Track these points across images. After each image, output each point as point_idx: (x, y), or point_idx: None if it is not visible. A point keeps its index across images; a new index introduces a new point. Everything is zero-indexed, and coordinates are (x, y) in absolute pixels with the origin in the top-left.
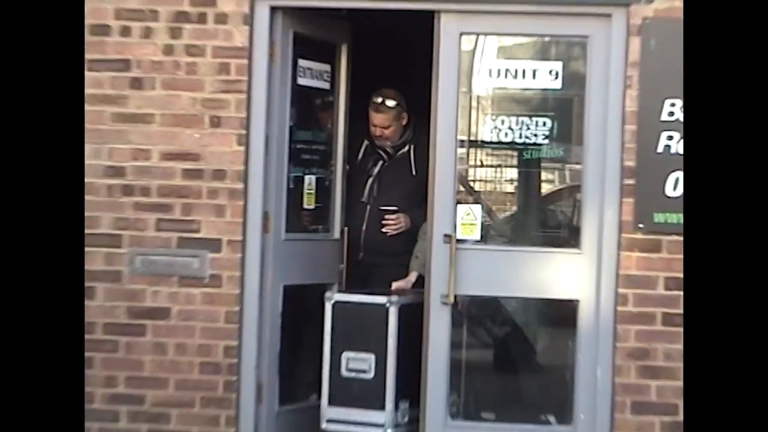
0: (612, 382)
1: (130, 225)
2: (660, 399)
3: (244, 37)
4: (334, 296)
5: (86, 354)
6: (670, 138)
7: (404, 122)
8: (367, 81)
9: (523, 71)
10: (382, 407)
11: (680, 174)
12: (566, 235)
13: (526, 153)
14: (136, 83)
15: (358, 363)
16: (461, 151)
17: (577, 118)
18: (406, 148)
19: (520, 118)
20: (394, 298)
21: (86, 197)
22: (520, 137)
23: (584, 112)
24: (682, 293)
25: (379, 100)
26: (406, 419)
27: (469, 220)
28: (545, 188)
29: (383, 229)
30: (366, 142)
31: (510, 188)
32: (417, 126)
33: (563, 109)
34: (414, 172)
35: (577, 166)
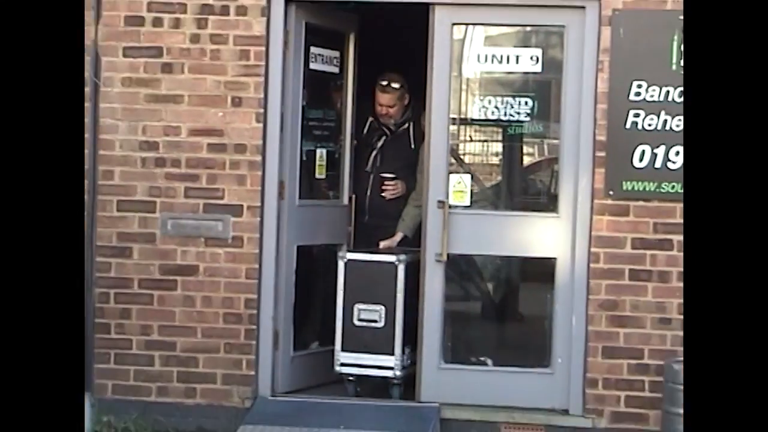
0: (585, 330)
1: (162, 193)
2: (627, 344)
3: (262, 27)
4: (347, 255)
5: (124, 306)
6: (637, 115)
7: (406, 102)
8: (372, 66)
9: (508, 57)
10: (392, 352)
11: (646, 147)
12: (545, 201)
13: (510, 129)
14: (167, 68)
15: (370, 314)
16: (453, 127)
17: (555, 98)
18: (406, 125)
19: (505, 99)
20: (402, 256)
21: (123, 168)
22: (505, 115)
23: (561, 93)
24: (647, 252)
25: (385, 82)
26: (409, 362)
27: (460, 188)
28: (527, 160)
29: (382, 194)
30: (371, 119)
31: (496, 160)
32: (415, 106)
33: (543, 91)
34: (412, 146)
35: (555, 141)
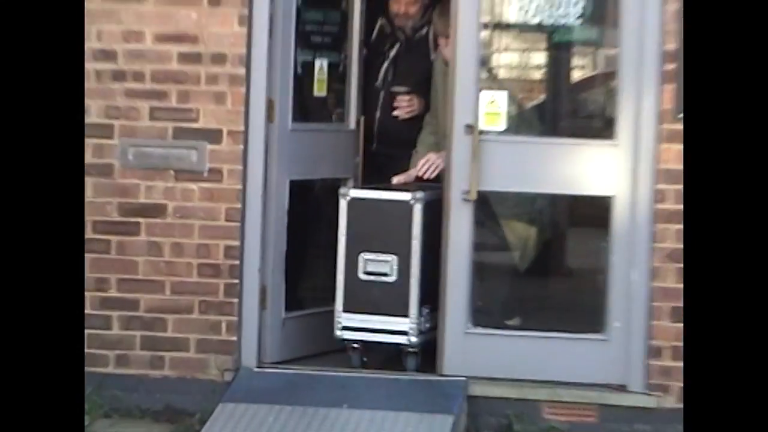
0: (649, 287)
1: (121, 114)
2: None
3: None
4: (350, 192)
5: None
6: None
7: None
8: None
9: None
10: (406, 313)
11: None
12: (599, 126)
13: (556, 35)
14: None
15: (378, 265)
16: (484, 33)
17: None
18: (425, 29)
19: None
20: (419, 194)
21: None
22: (549, 18)
23: None
24: None
25: None
26: (428, 326)
27: (493, 108)
28: (576, 74)
29: (395, 112)
30: (381, 22)
31: (537, 75)
32: (436, 6)
33: None
34: (432, 56)
35: (612, 50)
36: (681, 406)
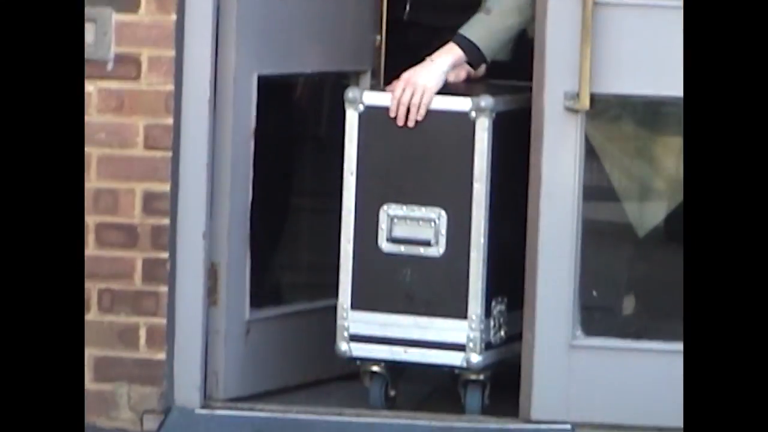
0: None
1: None
2: None
3: None
4: (364, 97)
5: None
6: None
7: None
8: None
9: None
10: (463, 313)
11: None
12: None
13: None
14: None
15: (414, 227)
16: None
17: None
18: None
19: None
20: (486, 101)
21: None
22: None
23: None
24: None
25: None
26: (503, 335)
27: None
28: None
29: None
30: None
31: None
32: None
33: None
34: None
35: None
36: None
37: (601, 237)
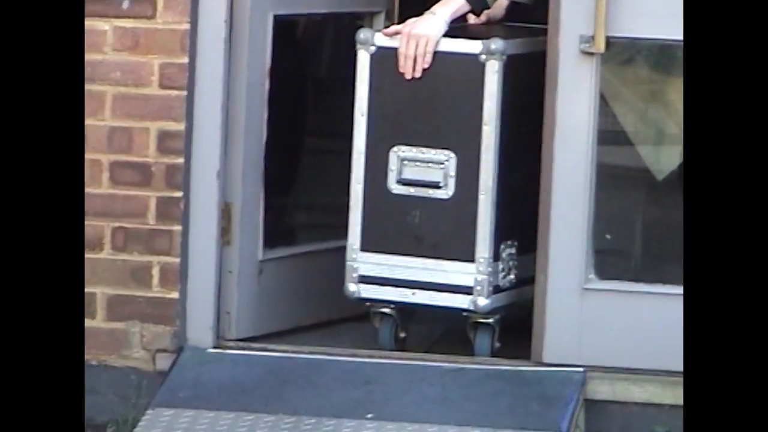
0: None
1: None
2: None
3: None
4: (376, 39)
5: None
6: None
7: None
8: None
9: None
10: (471, 256)
11: None
12: None
13: None
14: None
15: (424, 170)
16: None
17: None
18: None
19: None
20: (497, 43)
21: None
22: None
23: None
24: None
25: None
26: (512, 277)
27: None
28: None
29: None
30: None
31: None
32: None
33: None
34: None
35: None
36: None
37: (615, 181)
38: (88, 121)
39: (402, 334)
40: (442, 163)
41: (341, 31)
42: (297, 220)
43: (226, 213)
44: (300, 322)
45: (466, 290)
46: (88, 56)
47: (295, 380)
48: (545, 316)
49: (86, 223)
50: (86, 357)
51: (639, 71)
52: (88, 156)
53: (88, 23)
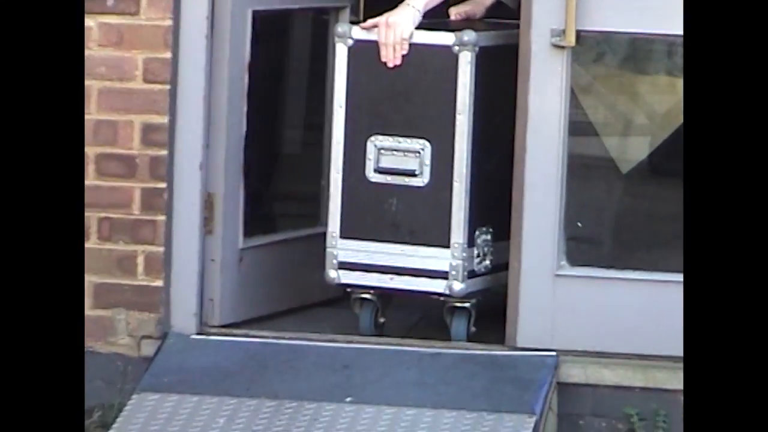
0: None
1: None
2: None
3: None
4: (353, 32)
5: None
6: None
7: None
8: None
9: None
10: (445, 241)
11: None
12: None
13: None
14: None
15: (400, 159)
16: None
17: None
18: None
19: None
20: (469, 35)
21: None
22: None
23: None
24: None
25: None
26: (487, 263)
27: None
28: None
29: None
30: None
31: None
32: None
33: None
34: None
35: None
36: None
37: (586, 170)
38: None
39: (381, 320)
40: (418, 152)
41: (310, 26)
42: (275, 209)
43: (208, 203)
44: (280, 307)
45: (442, 275)
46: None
47: (276, 365)
48: (519, 301)
49: None
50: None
51: (609, 64)
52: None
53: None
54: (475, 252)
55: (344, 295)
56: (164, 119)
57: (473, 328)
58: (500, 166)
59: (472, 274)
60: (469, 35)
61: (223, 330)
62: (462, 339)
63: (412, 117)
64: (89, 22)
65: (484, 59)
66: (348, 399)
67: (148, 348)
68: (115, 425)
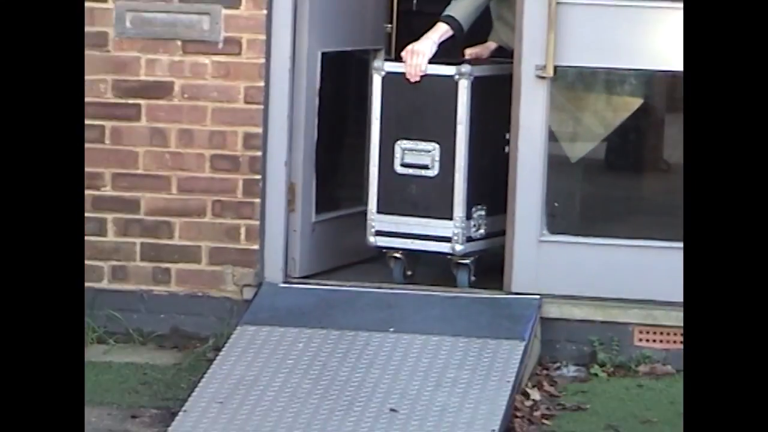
0: None
1: None
2: None
3: None
4: (385, 66)
5: None
6: None
7: None
8: None
9: None
10: (449, 215)
11: None
12: None
13: None
14: None
15: (417, 156)
16: None
17: None
18: None
19: None
20: (466, 67)
21: None
22: None
23: None
24: None
25: None
26: (482, 231)
27: None
28: None
29: None
30: None
31: None
32: None
33: None
34: None
35: None
36: None
37: (561, 165)
38: (195, 126)
39: (409, 272)
40: (430, 152)
41: (358, 62)
42: (335, 193)
43: (291, 190)
44: (340, 263)
45: (448, 239)
46: (195, 81)
47: (339, 305)
48: (513, 259)
49: (194, 197)
50: (194, 290)
51: (577, 89)
52: (195, 152)
53: (195, 59)
54: (472, 223)
55: (381, 254)
56: (259, 129)
57: (473, 278)
58: (491, 161)
59: (469, 239)
60: (466, 68)
61: (302, 280)
62: (465, 286)
63: (426, 126)
64: (205, 60)
65: (478, 85)
66: (391, 329)
67: (248, 293)
68: (224, 348)
